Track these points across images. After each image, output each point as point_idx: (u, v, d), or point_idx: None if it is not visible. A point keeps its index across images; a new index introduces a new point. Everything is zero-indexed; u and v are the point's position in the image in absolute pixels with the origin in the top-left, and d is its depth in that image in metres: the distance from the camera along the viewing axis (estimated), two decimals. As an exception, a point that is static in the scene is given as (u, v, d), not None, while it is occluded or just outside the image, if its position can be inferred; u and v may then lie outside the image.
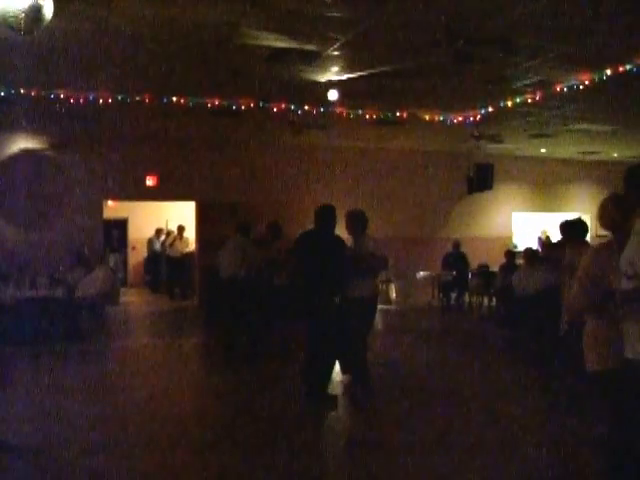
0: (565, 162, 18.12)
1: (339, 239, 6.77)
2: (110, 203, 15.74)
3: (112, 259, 16.39)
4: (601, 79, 9.06)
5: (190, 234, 16.18)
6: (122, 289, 15.79)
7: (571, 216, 19.62)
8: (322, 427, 6.02)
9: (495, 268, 12.88)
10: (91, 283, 10.43)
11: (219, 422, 6.01)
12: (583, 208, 18.96)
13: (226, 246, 9.18)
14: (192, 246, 16.08)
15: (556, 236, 17.38)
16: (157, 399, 6.83)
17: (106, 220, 14.65)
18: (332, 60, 8.37)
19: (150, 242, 17.63)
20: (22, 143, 13.16)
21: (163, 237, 17.50)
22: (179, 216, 17.14)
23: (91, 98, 10.06)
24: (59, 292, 10.02)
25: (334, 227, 6.82)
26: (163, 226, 17.77)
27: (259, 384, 7.36)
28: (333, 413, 6.35)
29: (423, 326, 12.07)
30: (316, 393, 6.49)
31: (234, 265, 8.56)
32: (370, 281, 6.89)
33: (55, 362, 8.35)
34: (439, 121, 12.36)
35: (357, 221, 7.05)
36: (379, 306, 14.31)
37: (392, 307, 14.57)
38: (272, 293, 8.62)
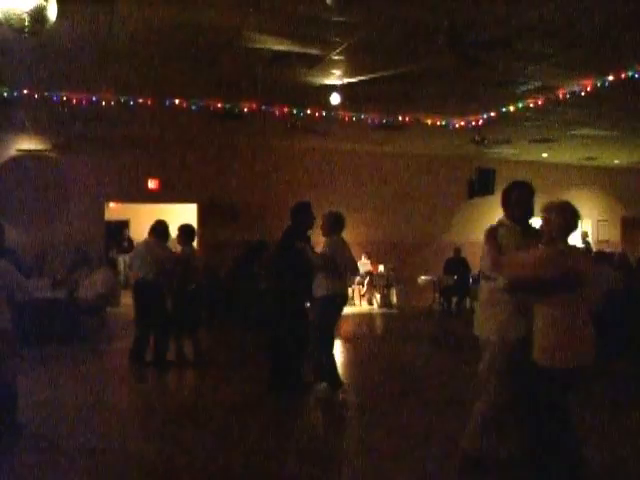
0: (567, 167, 18.13)
1: (283, 238, 6.95)
2: (112, 205, 15.75)
3: (122, 261, 16.39)
4: (603, 85, 9.09)
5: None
6: (123, 291, 15.79)
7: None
8: (326, 435, 6.03)
9: (496, 273, 12.87)
10: (92, 285, 10.42)
11: (216, 421, 6.01)
12: (584, 213, 18.97)
13: (136, 249, 8.91)
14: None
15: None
16: (155, 400, 6.83)
17: (107, 221, 14.67)
18: (334, 64, 8.40)
19: None
20: (25, 144, 13.19)
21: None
22: (180, 218, 17.13)
23: (94, 100, 10.10)
24: (61, 293, 10.01)
25: (301, 224, 6.94)
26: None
27: (260, 385, 7.35)
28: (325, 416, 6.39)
29: (423, 330, 12.05)
30: (291, 383, 6.80)
31: (142, 269, 8.34)
32: (324, 281, 6.79)
33: (55, 363, 8.33)
34: (441, 125, 12.39)
35: (327, 223, 7.06)
36: (381, 310, 14.56)
37: (393, 311, 14.57)
38: (185, 298, 8.40)
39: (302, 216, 6.96)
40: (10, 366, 5.29)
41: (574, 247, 4.27)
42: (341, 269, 6.88)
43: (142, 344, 8.34)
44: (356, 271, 7.98)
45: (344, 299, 7.14)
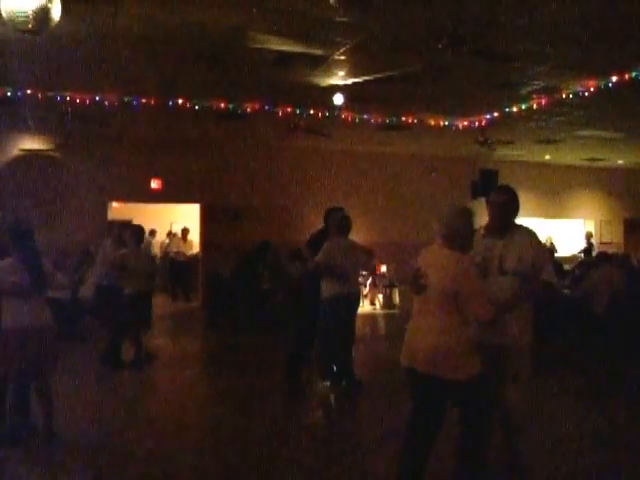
0: (570, 168, 18.10)
1: (309, 242, 7.26)
2: (115, 204, 15.76)
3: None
4: (607, 86, 9.07)
5: (194, 237, 16.22)
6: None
7: (575, 223, 19.67)
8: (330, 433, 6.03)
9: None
10: (94, 284, 10.41)
11: (219, 422, 6.02)
12: (587, 215, 18.97)
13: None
14: (196, 249, 16.09)
15: (561, 243, 17.58)
16: (159, 399, 6.84)
17: (110, 221, 14.66)
18: (338, 64, 8.40)
19: (147, 244, 17.47)
20: (28, 144, 13.21)
21: (167, 240, 17.46)
22: (183, 218, 17.17)
23: (97, 100, 10.11)
24: (63, 293, 10.00)
25: (328, 229, 7.23)
26: (168, 228, 17.75)
27: (260, 386, 7.37)
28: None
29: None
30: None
31: (94, 273, 8.27)
32: (326, 283, 6.99)
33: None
34: (444, 126, 12.38)
35: (331, 225, 7.24)
36: (384, 310, 14.55)
37: (396, 311, 14.56)
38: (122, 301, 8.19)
39: (325, 222, 7.34)
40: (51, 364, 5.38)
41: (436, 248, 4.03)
42: (340, 271, 6.91)
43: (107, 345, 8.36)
44: (368, 268, 8.02)
45: (349, 299, 7.10)
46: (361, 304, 15.15)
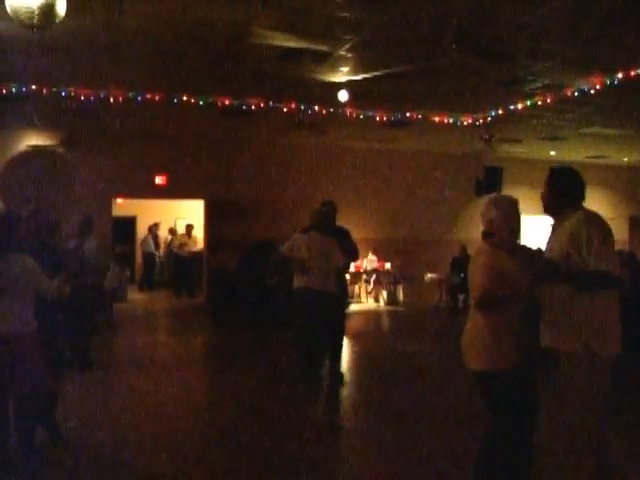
0: (575, 166, 17.90)
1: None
2: (119, 201, 15.79)
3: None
4: (612, 83, 9.04)
5: (198, 233, 16.25)
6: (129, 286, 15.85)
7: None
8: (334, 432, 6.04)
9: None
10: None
11: (224, 420, 6.03)
12: (592, 212, 18.90)
13: None
14: (200, 245, 16.12)
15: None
16: (163, 396, 6.86)
17: (114, 217, 14.70)
18: (343, 60, 8.38)
19: (146, 241, 17.56)
20: (33, 140, 13.24)
21: (169, 236, 17.49)
22: (188, 214, 17.20)
23: (102, 96, 10.11)
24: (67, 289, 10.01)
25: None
26: (173, 224, 17.78)
27: (262, 382, 7.38)
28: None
29: (430, 327, 12.06)
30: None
31: None
32: (296, 275, 7.09)
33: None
34: (449, 123, 12.35)
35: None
36: (387, 307, 14.57)
37: (399, 308, 14.58)
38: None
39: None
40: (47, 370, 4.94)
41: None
42: (297, 264, 6.98)
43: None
44: (340, 263, 7.26)
45: (310, 294, 6.87)
46: (365, 301, 15.30)
